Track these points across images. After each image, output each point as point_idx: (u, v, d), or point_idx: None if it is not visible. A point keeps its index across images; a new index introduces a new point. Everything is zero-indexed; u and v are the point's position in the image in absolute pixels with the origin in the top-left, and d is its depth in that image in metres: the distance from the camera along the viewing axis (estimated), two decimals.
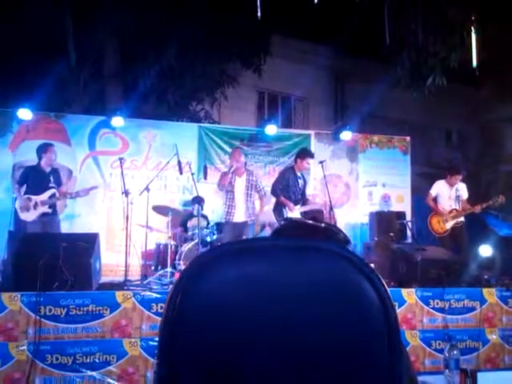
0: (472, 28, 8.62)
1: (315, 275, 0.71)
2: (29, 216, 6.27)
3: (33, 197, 6.29)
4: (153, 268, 6.65)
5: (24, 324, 4.12)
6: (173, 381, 0.70)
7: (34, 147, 6.71)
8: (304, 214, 6.75)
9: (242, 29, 9.81)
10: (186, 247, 6.51)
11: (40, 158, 6.47)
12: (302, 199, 6.97)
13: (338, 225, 6.68)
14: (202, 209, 6.87)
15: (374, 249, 7.50)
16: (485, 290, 5.15)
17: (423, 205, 7.70)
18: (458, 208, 7.15)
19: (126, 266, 5.70)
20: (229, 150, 8.27)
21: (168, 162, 7.03)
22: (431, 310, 4.98)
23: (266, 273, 0.71)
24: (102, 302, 4.31)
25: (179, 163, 6.55)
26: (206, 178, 8.31)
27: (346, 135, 8.74)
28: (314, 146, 8.75)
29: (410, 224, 8.01)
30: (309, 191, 7.78)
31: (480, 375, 3.10)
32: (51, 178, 6.46)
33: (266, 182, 7.59)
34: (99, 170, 8.00)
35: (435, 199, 7.33)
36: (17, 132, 7.76)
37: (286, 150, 8.70)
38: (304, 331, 0.69)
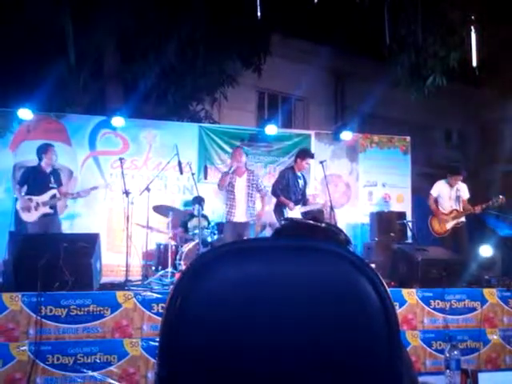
0: (472, 28, 8.62)
1: (316, 276, 0.71)
2: (30, 217, 6.28)
3: (34, 197, 6.30)
4: (153, 268, 6.66)
5: (25, 324, 4.12)
6: (173, 381, 0.70)
7: (34, 147, 6.71)
8: (304, 214, 6.74)
9: (242, 28, 9.80)
10: (186, 247, 6.52)
11: (40, 159, 6.47)
12: (303, 199, 6.97)
13: (339, 225, 6.68)
14: (203, 209, 6.88)
15: (375, 249, 7.51)
16: (485, 291, 5.15)
17: (424, 205, 7.70)
18: (458, 208, 7.15)
19: (126, 267, 5.71)
20: (229, 149, 8.27)
21: (168, 162, 7.04)
22: (432, 311, 4.98)
23: (267, 273, 0.71)
24: (102, 302, 4.32)
25: (179, 163, 6.56)
26: (206, 178, 8.31)
27: (347, 135, 8.74)
28: (315, 145, 8.75)
29: (410, 224, 8.01)
30: (309, 191, 7.78)
31: (481, 375, 3.10)
32: (52, 179, 6.46)
33: (267, 182, 7.60)
34: (100, 170, 8.01)
35: (436, 200, 7.33)
36: (17, 132, 7.77)
37: (286, 150, 8.70)
38: (304, 332, 0.69)
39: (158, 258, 6.65)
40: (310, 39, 12.60)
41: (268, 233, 7.78)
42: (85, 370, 4.17)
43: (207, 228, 6.97)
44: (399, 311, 4.80)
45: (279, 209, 6.76)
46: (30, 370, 4.03)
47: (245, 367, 0.69)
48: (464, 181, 7.33)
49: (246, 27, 9.76)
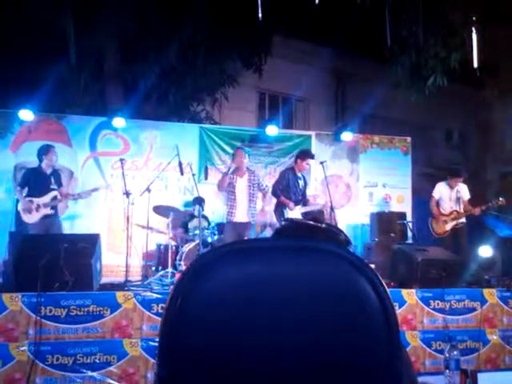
0: (472, 29, 8.62)
1: (316, 276, 0.71)
2: (31, 218, 6.28)
3: (34, 199, 6.30)
4: (153, 268, 6.66)
5: (24, 324, 4.12)
6: (173, 381, 0.70)
7: (35, 148, 6.70)
8: (305, 214, 6.74)
9: (243, 29, 9.81)
10: (186, 248, 6.52)
11: (41, 160, 6.47)
12: (303, 200, 6.97)
13: (339, 225, 6.68)
14: (203, 209, 6.88)
15: (375, 249, 7.51)
16: (485, 291, 5.15)
17: (424, 205, 7.70)
18: (458, 209, 7.15)
19: (126, 267, 5.71)
20: (230, 150, 8.27)
21: (169, 163, 7.04)
22: (431, 311, 4.98)
23: (267, 273, 0.71)
24: (102, 302, 4.32)
25: (180, 164, 6.56)
26: (206, 178, 8.31)
27: (347, 136, 8.74)
28: (315, 146, 8.76)
29: (410, 224, 8.01)
30: (309, 192, 7.79)
31: (480, 376, 3.10)
32: (52, 180, 6.46)
33: (267, 183, 7.60)
34: (100, 170, 8.01)
35: (437, 202, 7.33)
36: (18, 133, 7.77)
37: (286, 151, 8.70)
38: (304, 332, 0.69)
39: (158, 259, 6.65)
40: (310, 40, 12.60)
41: (268, 233, 7.78)
42: (84, 371, 4.17)
43: (207, 228, 6.97)
44: (399, 311, 4.81)
45: (279, 209, 6.77)
46: (30, 370, 4.03)
47: (245, 367, 0.69)
48: (464, 181, 7.33)
49: (246, 28, 9.77)
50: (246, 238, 6.50)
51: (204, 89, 10.64)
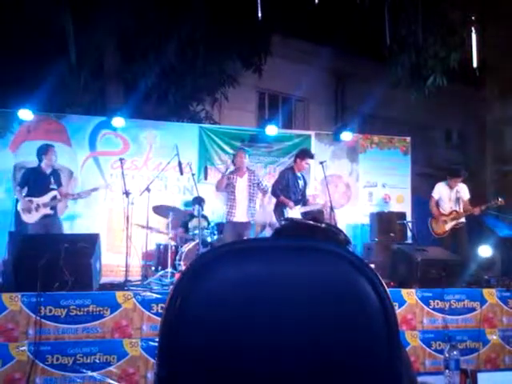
0: (472, 28, 8.62)
1: (315, 276, 0.71)
2: (31, 218, 6.28)
3: (34, 199, 6.30)
4: (153, 268, 6.66)
5: (24, 324, 4.12)
6: (173, 381, 0.70)
7: (34, 148, 6.70)
8: (304, 214, 6.74)
9: (243, 29, 9.81)
10: (186, 248, 6.52)
11: (40, 160, 6.47)
12: (303, 200, 6.97)
13: (339, 225, 6.68)
14: (203, 209, 6.88)
15: (375, 249, 7.52)
16: (485, 291, 5.15)
17: (424, 205, 7.70)
18: (457, 210, 7.15)
19: (126, 267, 5.71)
20: (229, 150, 8.28)
21: (169, 163, 7.04)
22: (431, 311, 4.98)
23: (267, 273, 0.71)
24: (102, 302, 4.32)
25: (180, 164, 6.56)
26: (206, 178, 8.31)
27: (347, 136, 8.74)
28: (315, 146, 8.75)
29: (410, 224, 8.01)
30: (309, 192, 7.78)
31: (480, 376, 3.10)
32: (52, 180, 6.46)
33: (267, 183, 7.60)
34: (100, 170, 8.01)
35: (437, 202, 7.33)
36: (17, 132, 7.77)
37: (286, 151, 8.69)
38: (304, 332, 0.69)
39: (158, 259, 6.65)
40: (310, 40, 12.60)
41: (268, 233, 7.78)
42: (84, 370, 4.17)
43: (207, 228, 6.97)
44: (398, 311, 4.81)
45: (279, 209, 6.76)
46: (30, 370, 4.03)
47: (245, 367, 0.69)
48: (464, 181, 7.33)
49: (246, 27, 9.77)
50: (245, 237, 6.50)
51: (204, 89, 10.65)
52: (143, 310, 4.38)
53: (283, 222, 1.42)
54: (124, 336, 4.31)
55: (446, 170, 7.65)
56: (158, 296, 4.46)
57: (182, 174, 6.77)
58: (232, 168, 6.84)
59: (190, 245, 6.55)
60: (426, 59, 8.95)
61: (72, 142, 7.96)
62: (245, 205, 6.70)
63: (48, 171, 6.48)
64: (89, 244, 4.69)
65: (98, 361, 4.21)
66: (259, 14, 8.01)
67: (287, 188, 6.78)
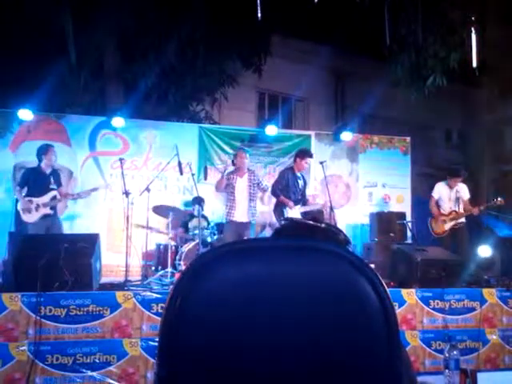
0: (472, 28, 8.62)
1: (315, 276, 0.71)
2: (30, 218, 6.28)
3: (34, 199, 6.30)
4: (153, 268, 6.66)
5: (24, 324, 4.12)
6: (173, 381, 0.70)
7: (34, 148, 6.71)
8: (304, 214, 6.74)
9: (242, 29, 9.81)
10: (186, 247, 6.52)
11: (40, 160, 6.47)
12: (302, 200, 6.97)
13: (338, 225, 6.68)
14: (203, 209, 6.88)
15: (374, 249, 7.52)
16: (485, 291, 5.15)
17: (423, 205, 7.70)
18: (457, 210, 7.15)
19: (126, 267, 5.71)
20: (229, 150, 8.29)
21: (168, 163, 7.04)
22: (431, 311, 4.98)
23: (266, 273, 0.71)
24: (102, 302, 4.32)
25: (179, 164, 6.56)
26: (206, 178, 8.31)
27: (347, 136, 8.74)
28: (315, 146, 8.75)
29: (410, 224, 8.01)
30: (309, 192, 7.78)
31: (480, 375, 3.10)
32: (52, 180, 6.46)
33: (266, 183, 7.60)
34: (100, 170, 8.01)
35: (437, 202, 7.33)
36: (17, 132, 7.77)
37: (286, 151, 8.69)
38: (304, 332, 0.69)
39: (158, 258, 6.65)
40: (310, 39, 12.60)
41: (268, 233, 7.78)
42: (84, 370, 4.17)
43: (207, 228, 6.98)
44: (398, 311, 4.80)
45: (279, 209, 6.76)
46: (30, 369, 4.02)
47: (245, 367, 0.69)
48: (464, 181, 7.33)
49: (246, 27, 9.77)
50: (245, 237, 6.50)
51: (203, 89, 10.65)
52: (143, 309, 4.38)
53: (283, 222, 1.42)
54: (124, 336, 4.31)
55: (446, 170, 7.65)
56: (158, 296, 4.45)
57: (181, 174, 6.76)
58: (232, 168, 6.84)
59: (190, 245, 6.55)
60: (425, 59, 8.96)
61: (72, 141, 7.96)
62: (245, 205, 6.70)
63: (48, 171, 6.48)
64: (89, 244, 4.69)
65: (97, 361, 4.21)
66: (259, 14, 8.00)
67: (287, 188, 6.78)
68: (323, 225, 1.26)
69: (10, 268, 4.56)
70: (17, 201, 6.40)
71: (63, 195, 6.59)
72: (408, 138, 9.32)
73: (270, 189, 6.98)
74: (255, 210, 6.83)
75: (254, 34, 10.30)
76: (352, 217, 8.76)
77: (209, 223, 7.25)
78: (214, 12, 9.30)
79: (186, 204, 7.97)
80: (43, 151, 6.49)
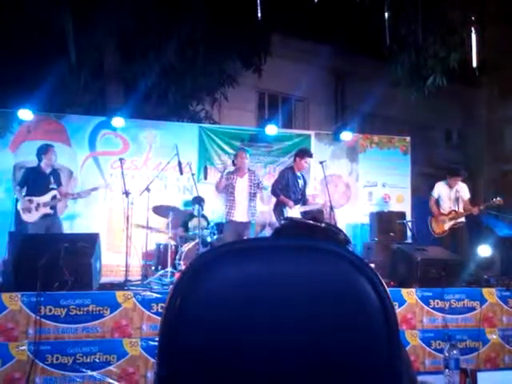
0: (472, 28, 8.62)
1: (315, 275, 0.71)
2: (30, 217, 6.28)
3: (34, 198, 6.30)
4: (153, 268, 6.65)
5: (24, 324, 4.12)
6: (173, 381, 0.70)
7: (34, 148, 6.71)
8: (304, 213, 6.74)
9: (242, 28, 9.81)
10: (186, 247, 6.52)
11: (40, 160, 6.47)
12: (302, 199, 6.97)
13: (338, 225, 6.68)
14: (203, 209, 6.88)
15: (374, 249, 7.52)
16: (485, 290, 5.15)
17: (423, 205, 7.70)
18: (457, 209, 7.16)
19: (126, 266, 5.71)
20: (229, 150, 8.29)
21: (168, 163, 7.03)
22: (431, 310, 4.98)
23: (266, 273, 0.71)
24: (102, 302, 4.32)
25: (179, 163, 6.56)
26: (206, 178, 8.30)
27: (347, 135, 8.74)
28: (315, 146, 8.75)
29: (410, 224, 8.01)
30: (309, 191, 7.78)
31: (480, 375, 3.10)
32: (52, 179, 6.46)
33: (266, 183, 7.61)
34: (100, 170, 8.01)
35: (437, 201, 7.34)
36: (17, 132, 7.77)
37: (286, 150, 8.69)
38: (304, 331, 0.69)
39: (158, 258, 6.64)
40: (310, 39, 12.59)
41: (268, 232, 7.78)
42: (84, 370, 4.16)
43: (207, 228, 6.98)
44: (398, 311, 4.80)
45: (279, 208, 6.77)
46: (30, 369, 4.02)
47: (245, 367, 0.69)
48: (464, 181, 7.33)
49: (246, 27, 9.77)
50: (245, 237, 6.50)
51: (203, 88, 10.65)
52: (143, 309, 4.38)
53: (283, 222, 1.41)
54: (124, 335, 4.31)
55: (446, 170, 7.65)
56: (158, 295, 4.45)
57: (181, 173, 6.76)
58: (232, 168, 6.83)
59: (190, 244, 6.55)
60: (425, 59, 8.96)
61: (72, 141, 7.96)
62: (245, 205, 6.70)
63: (48, 171, 6.49)
64: (89, 244, 4.69)
65: (97, 360, 4.21)
66: (259, 14, 8.00)
67: (287, 187, 6.78)
68: (323, 224, 1.26)
69: (9, 268, 4.56)
70: (17, 200, 6.40)
71: (63, 195, 6.59)
72: (408, 138, 9.32)
73: (269, 188, 6.98)
74: (255, 210, 6.83)
75: (253, 34, 10.30)
76: (352, 216, 8.76)
77: (209, 223, 7.25)
78: (213, 12, 9.29)
79: (186, 204, 7.97)
80: (43, 151, 6.49)
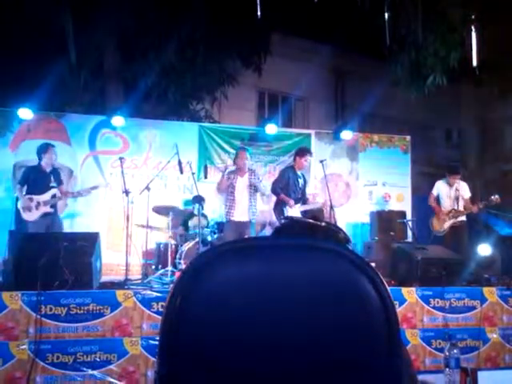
0: (472, 27, 8.62)
1: (316, 274, 0.71)
2: (31, 216, 6.28)
3: (34, 197, 6.30)
4: (153, 267, 6.65)
5: (25, 323, 4.12)
6: (173, 380, 0.70)
7: (34, 147, 6.71)
8: (304, 213, 6.75)
9: (242, 28, 9.80)
10: (186, 246, 6.52)
11: (40, 159, 6.47)
12: (302, 198, 6.97)
13: (339, 224, 6.68)
14: (203, 208, 6.87)
15: (375, 248, 7.52)
16: (485, 289, 5.15)
17: (424, 204, 7.71)
18: (456, 208, 7.16)
19: (126, 265, 5.71)
20: (229, 149, 8.29)
21: (168, 162, 7.03)
22: (431, 309, 4.98)
23: (267, 272, 0.71)
24: (102, 301, 4.32)
25: (180, 163, 6.55)
26: (206, 177, 8.31)
27: (347, 134, 8.74)
28: (315, 145, 8.76)
29: (410, 223, 8.01)
30: (309, 190, 7.78)
31: (480, 374, 3.10)
32: (52, 178, 6.46)
33: (267, 182, 7.60)
34: (100, 169, 8.01)
35: (437, 199, 7.34)
36: (17, 131, 7.77)
37: (286, 150, 8.69)
38: (304, 331, 0.69)
39: (158, 257, 6.64)
40: (310, 38, 12.57)
41: (268, 232, 7.78)
42: (84, 369, 4.17)
43: (207, 227, 6.97)
44: (399, 310, 4.81)
45: (279, 207, 6.77)
46: (30, 368, 4.03)
47: (245, 366, 0.69)
48: (464, 179, 7.33)
49: (245, 26, 9.76)
50: (245, 236, 6.50)
51: (203, 87, 10.64)
52: (143, 308, 4.38)
53: (283, 221, 1.41)
54: (124, 334, 4.31)
55: (446, 169, 7.66)
56: (158, 294, 4.45)
57: (181, 172, 6.76)
58: (232, 168, 6.83)
59: (190, 243, 6.55)
60: (425, 58, 8.95)
61: (72, 141, 7.96)
62: (245, 204, 6.69)
63: (48, 170, 6.48)
64: (89, 243, 4.69)
65: (98, 359, 4.21)
66: (259, 13, 8.00)
67: (287, 186, 6.78)
68: (323, 223, 1.25)
69: (10, 267, 4.56)
70: (17, 199, 6.41)
71: (63, 193, 6.59)
72: (408, 137, 9.32)
73: (269, 187, 6.98)
74: (255, 209, 6.82)
75: (253, 33, 10.29)
76: (352, 215, 8.77)
77: (209, 222, 7.25)
78: (213, 11, 9.29)
79: (186, 203, 7.96)
80: (43, 150, 6.49)
